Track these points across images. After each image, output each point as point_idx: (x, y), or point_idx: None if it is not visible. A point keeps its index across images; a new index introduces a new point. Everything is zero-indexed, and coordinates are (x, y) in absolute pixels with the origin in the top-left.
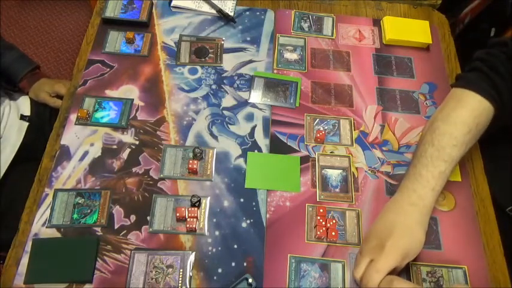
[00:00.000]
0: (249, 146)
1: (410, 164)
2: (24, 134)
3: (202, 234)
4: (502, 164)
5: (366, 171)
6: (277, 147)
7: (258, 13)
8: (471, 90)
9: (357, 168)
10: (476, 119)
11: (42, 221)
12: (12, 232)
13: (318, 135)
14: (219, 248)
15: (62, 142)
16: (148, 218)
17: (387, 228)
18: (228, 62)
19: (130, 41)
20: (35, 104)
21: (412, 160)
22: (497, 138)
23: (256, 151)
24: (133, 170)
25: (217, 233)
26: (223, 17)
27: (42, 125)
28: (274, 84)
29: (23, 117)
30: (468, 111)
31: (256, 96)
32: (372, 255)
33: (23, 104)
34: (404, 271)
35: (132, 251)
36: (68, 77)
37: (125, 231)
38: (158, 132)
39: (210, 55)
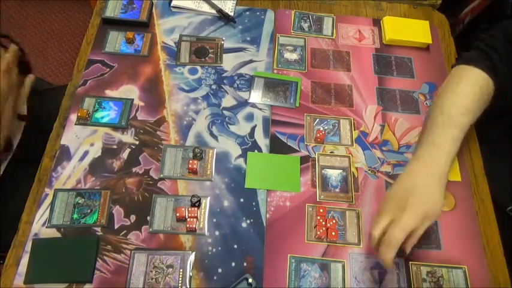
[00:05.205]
0: (249, 146)
1: (419, 139)
2: (21, 133)
3: (202, 234)
4: (502, 164)
5: (365, 171)
6: (277, 147)
7: (258, 13)
8: (470, 65)
9: (357, 168)
10: (477, 89)
11: (42, 221)
12: (12, 232)
13: (318, 135)
14: (219, 248)
15: (62, 142)
16: (148, 218)
17: (407, 190)
18: (228, 62)
19: (130, 41)
20: (31, 104)
21: (421, 136)
22: (497, 137)
23: (256, 151)
24: (133, 170)
25: (217, 233)
26: (223, 17)
27: (39, 124)
28: (274, 84)
29: (19, 117)
30: (469, 82)
31: (256, 96)
32: (392, 216)
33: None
34: (404, 271)
35: (132, 251)
36: (68, 77)
37: (125, 231)
38: (158, 132)
39: (210, 55)
